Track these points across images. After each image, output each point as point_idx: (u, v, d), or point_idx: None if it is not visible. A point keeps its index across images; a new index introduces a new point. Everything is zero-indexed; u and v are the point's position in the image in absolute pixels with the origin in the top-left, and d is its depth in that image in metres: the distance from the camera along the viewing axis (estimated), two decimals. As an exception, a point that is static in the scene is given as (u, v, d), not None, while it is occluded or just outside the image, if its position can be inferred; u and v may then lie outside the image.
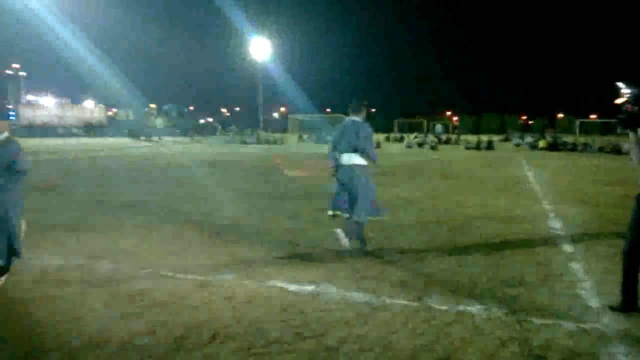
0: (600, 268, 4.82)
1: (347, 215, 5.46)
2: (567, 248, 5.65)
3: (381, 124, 70.12)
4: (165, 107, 78.50)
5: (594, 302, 3.91)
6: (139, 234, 6.30)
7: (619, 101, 3.80)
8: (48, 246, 5.57)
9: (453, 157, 23.66)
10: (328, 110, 73.16)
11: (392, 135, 51.90)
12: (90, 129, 47.99)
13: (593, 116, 74.39)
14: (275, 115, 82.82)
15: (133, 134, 42.94)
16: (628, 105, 3.59)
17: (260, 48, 48.05)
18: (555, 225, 6.98)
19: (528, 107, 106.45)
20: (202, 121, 74.14)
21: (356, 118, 5.57)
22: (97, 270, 4.70)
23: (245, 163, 18.88)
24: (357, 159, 5.41)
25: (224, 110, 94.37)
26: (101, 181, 12.28)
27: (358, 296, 4.04)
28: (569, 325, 3.46)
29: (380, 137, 43.25)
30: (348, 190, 5.43)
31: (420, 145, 33.40)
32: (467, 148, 31.38)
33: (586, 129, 64.19)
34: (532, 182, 12.61)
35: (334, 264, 4.99)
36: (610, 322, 3.52)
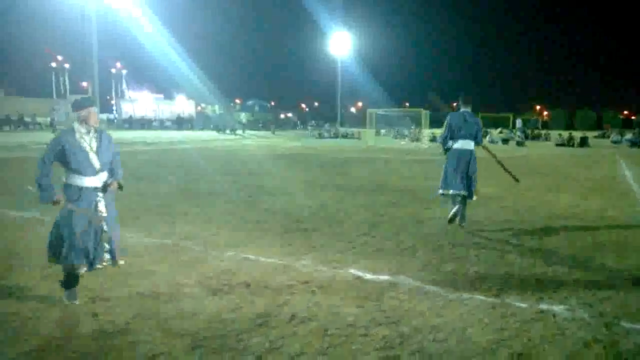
0: None
1: (459, 192, 6.07)
2: (668, 253, 5.20)
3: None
4: (249, 102, 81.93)
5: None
6: (224, 220, 6.73)
7: None
8: (143, 227, 6.14)
9: (542, 154, 22.31)
10: (406, 104, 71.96)
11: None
12: (181, 122, 51.27)
13: None
14: (353, 110, 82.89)
15: (219, 128, 45.17)
16: None
17: (340, 43, 48.26)
18: (655, 228, 6.42)
19: (631, 100, 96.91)
20: (282, 116, 76.26)
21: (467, 109, 6.29)
22: (187, 251, 5.13)
23: (322, 157, 19.21)
24: (472, 145, 6.18)
25: (303, 105, 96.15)
26: (189, 171, 13.17)
27: (434, 288, 4.05)
28: (664, 333, 3.23)
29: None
30: (462, 172, 6.08)
31: (505, 141, 31.67)
32: (558, 144, 29.34)
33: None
34: (630, 182, 11.61)
35: (409, 256, 5.02)
36: None
